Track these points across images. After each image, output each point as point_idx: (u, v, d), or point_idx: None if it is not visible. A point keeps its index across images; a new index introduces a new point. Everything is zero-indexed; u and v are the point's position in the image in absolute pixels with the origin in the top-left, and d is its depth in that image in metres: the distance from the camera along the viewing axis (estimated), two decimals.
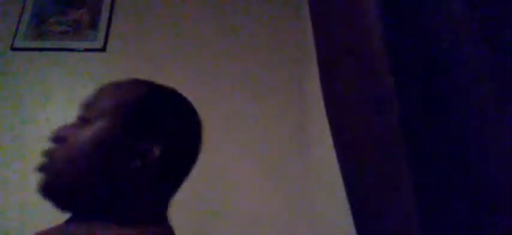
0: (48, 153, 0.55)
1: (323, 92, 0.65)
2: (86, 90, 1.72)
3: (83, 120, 0.56)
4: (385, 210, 0.49)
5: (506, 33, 0.39)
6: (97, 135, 0.54)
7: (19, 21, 1.69)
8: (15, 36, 1.66)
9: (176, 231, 0.60)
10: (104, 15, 1.69)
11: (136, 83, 0.62)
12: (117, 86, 0.61)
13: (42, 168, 0.55)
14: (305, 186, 1.37)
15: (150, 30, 1.67)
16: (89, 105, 0.58)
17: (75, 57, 1.64)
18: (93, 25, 1.68)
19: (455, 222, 0.41)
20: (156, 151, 0.54)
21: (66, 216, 0.58)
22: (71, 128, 0.57)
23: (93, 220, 0.53)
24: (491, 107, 0.39)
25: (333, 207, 1.06)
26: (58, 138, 0.55)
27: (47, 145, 0.56)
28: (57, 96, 1.57)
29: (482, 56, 0.40)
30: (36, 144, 1.47)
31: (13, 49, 1.65)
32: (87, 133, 0.54)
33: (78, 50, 1.65)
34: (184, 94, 0.66)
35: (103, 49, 1.63)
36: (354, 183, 0.57)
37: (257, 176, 1.39)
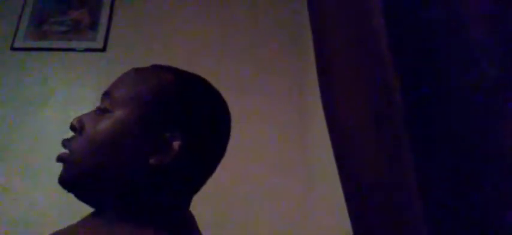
0: (66, 143, 0.53)
1: (322, 95, 0.64)
2: (86, 90, 1.72)
3: (103, 110, 0.53)
4: (388, 211, 0.49)
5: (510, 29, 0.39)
6: (115, 126, 0.51)
7: (19, 21, 1.69)
8: (15, 36, 1.67)
9: None
10: (104, 15, 1.69)
11: (159, 69, 0.57)
12: (139, 72, 0.57)
13: (61, 158, 0.53)
14: (305, 184, 1.38)
15: (150, 30, 1.67)
16: (109, 94, 0.54)
17: (75, 57, 1.64)
18: (93, 25, 1.68)
19: (460, 218, 0.41)
20: (175, 146, 0.51)
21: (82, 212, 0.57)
22: (90, 117, 0.54)
23: (108, 218, 0.52)
24: (496, 106, 0.39)
25: (332, 205, 1.06)
26: (76, 127, 0.53)
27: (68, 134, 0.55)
28: (57, 96, 1.57)
29: (488, 55, 0.40)
30: (36, 144, 1.48)
31: (13, 49, 1.65)
32: (106, 123, 0.51)
33: (78, 50, 1.65)
34: None
35: (103, 49, 1.64)
36: (353, 184, 0.57)
37: (257, 176, 1.40)
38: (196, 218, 0.61)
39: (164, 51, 1.62)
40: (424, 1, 0.47)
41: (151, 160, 0.51)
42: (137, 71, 0.58)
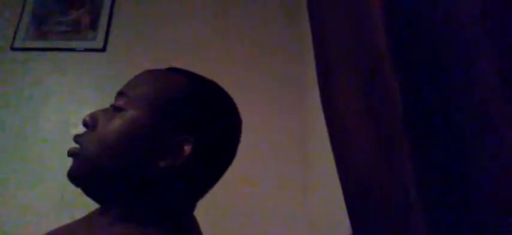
0: (78, 138, 0.54)
1: (321, 92, 0.65)
2: (86, 90, 1.72)
3: (116, 108, 0.54)
4: (388, 211, 0.49)
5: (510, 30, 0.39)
6: (127, 125, 0.51)
7: (19, 21, 1.69)
8: (15, 36, 1.66)
9: None
10: (104, 15, 1.69)
11: (174, 72, 0.58)
12: (154, 74, 0.57)
13: (71, 153, 0.53)
14: (304, 185, 1.38)
15: (150, 30, 1.67)
16: (123, 93, 0.55)
17: (75, 57, 1.64)
18: (93, 25, 1.68)
19: (459, 220, 0.41)
20: (187, 150, 0.51)
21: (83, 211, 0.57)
22: (103, 115, 0.54)
23: (113, 217, 0.52)
24: (494, 106, 0.39)
25: (332, 205, 1.06)
26: (89, 124, 0.54)
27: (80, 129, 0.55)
28: (57, 96, 1.57)
29: (486, 55, 0.40)
30: (36, 144, 1.48)
31: (13, 49, 1.65)
32: (118, 121, 0.52)
33: (78, 50, 1.65)
34: None
35: (103, 49, 1.63)
36: (352, 184, 0.57)
37: (257, 175, 1.40)
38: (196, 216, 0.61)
39: (164, 52, 1.62)
40: (423, 1, 0.48)
41: (162, 163, 0.51)
42: (153, 72, 0.58)
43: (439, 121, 0.44)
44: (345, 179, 0.60)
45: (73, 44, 1.66)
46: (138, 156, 0.51)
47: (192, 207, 0.59)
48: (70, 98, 1.55)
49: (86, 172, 0.52)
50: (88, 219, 0.56)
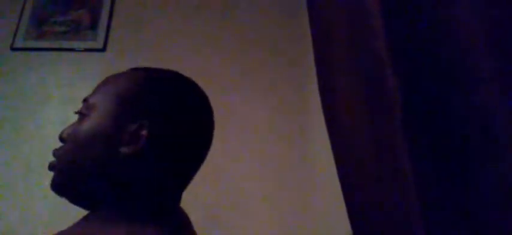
0: (55, 152, 0.57)
1: (321, 93, 0.65)
2: (86, 90, 1.72)
3: (81, 115, 0.58)
4: (387, 211, 0.49)
5: (509, 34, 0.39)
6: (90, 124, 0.55)
7: (19, 21, 1.69)
8: (15, 36, 1.66)
9: None
10: (104, 15, 1.69)
11: (132, 70, 0.62)
12: (114, 76, 0.61)
13: (50, 167, 0.57)
14: (304, 185, 1.38)
15: (150, 30, 1.67)
16: (85, 100, 0.59)
17: (75, 57, 1.64)
18: (93, 25, 1.68)
19: (458, 218, 0.41)
20: (143, 135, 0.54)
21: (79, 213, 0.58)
22: (73, 126, 0.58)
23: (103, 218, 0.53)
24: (493, 106, 0.39)
25: (332, 205, 1.06)
26: (64, 137, 0.57)
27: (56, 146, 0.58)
28: (57, 96, 1.57)
29: (486, 55, 0.40)
30: (36, 144, 1.48)
31: (13, 49, 1.65)
32: (82, 125, 0.56)
33: (78, 50, 1.65)
34: None
35: (103, 49, 1.64)
36: (351, 182, 0.57)
37: (256, 175, 1.40)
38: (195, 218, 0.61)
39: (164, 52, 1.62)
40: (423, 1, 0.48)
41: (123, 150, 0.53)
42: (113, 75, 0.62)
43: (439, 122, 0.44)
44: (345, 179, 0.60)
45: (73, 44, 1.66)
46: (100, 150, 0.54)
47: (176, 198, 0.60)
48: (70, 98, 1.55)
49: (63, 181, 0.55)
50: (80, 223, 0.56)
